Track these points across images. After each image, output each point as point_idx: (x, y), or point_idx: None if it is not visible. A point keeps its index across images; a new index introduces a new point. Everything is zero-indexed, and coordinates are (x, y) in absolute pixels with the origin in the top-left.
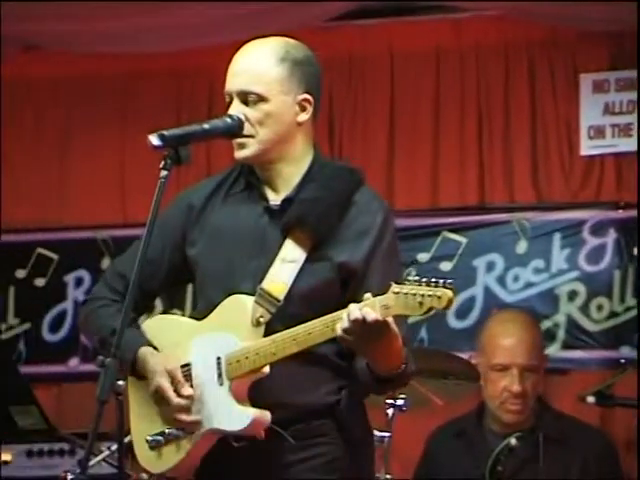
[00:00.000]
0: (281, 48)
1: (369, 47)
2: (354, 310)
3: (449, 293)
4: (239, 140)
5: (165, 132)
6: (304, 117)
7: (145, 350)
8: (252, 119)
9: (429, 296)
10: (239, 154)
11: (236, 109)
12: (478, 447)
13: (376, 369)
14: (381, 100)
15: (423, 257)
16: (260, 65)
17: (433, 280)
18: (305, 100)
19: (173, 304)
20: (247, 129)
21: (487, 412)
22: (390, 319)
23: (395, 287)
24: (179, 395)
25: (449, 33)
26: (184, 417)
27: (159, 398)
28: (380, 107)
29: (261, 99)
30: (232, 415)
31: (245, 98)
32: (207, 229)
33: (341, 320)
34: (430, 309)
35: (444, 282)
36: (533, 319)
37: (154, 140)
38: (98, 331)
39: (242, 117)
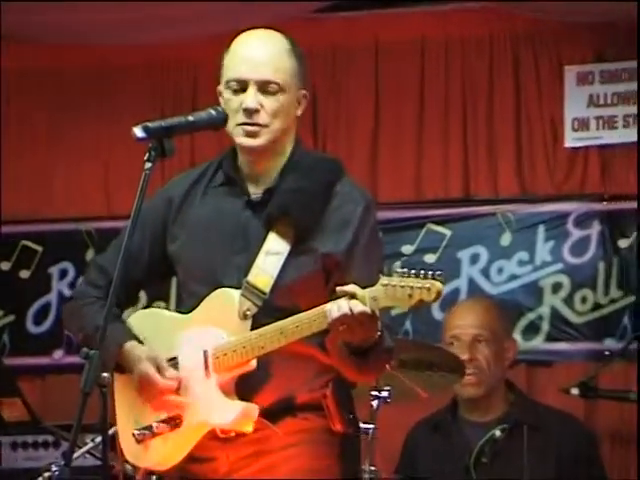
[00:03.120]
0: (289, 42)
1: (354, 39)
2: (343, 302)
3: (438, 285)
4: (251, 128)
5: (149, 124)
6: (300, 111)
7: (130, 344)
8: (268, 109)
9: (418, 288)
10: (250, 142)
11: (254, 97)
12: (455, 439)
13: (353, 343)
14: (365, 92)
15: (407, 249)
16: (281, 56)
17: (422, 272)
18: (304, 95)
19: (157, 297)
20: (262, 119)
21: (459, 402)
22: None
23: (384, 279)
24: (164, 377)
25: (434, 25)
26: (171, 398)
27: (146, 384)
28: (364, 99)
29: (281, 90)
30: (219, 408)
31: (265, 87)
32: (188, 224)
33: (330, 312)
34: (420, 301)
35: (433, 273)
36: (492, 301)
37: (138, 132)
38: (82, 329)
39: (258, 107)
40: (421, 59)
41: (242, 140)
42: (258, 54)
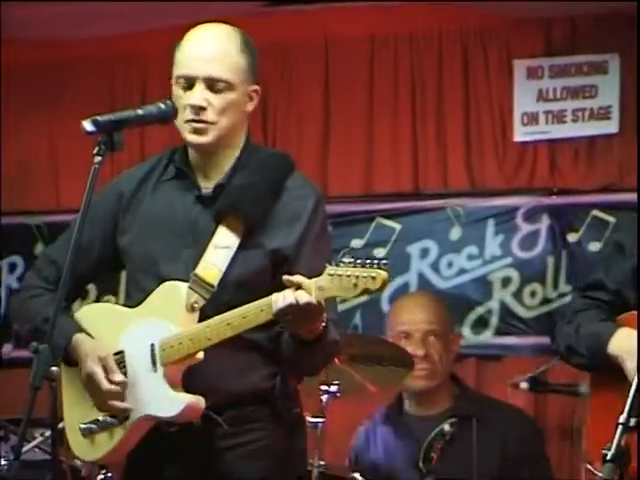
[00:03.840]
0: (240, 37)
1: (303, 33)
2: (288, 293)
3: (383, 274)
4: (198, 125)
5: (99, 118)
6: (251, 107)
7: (78, 337)
8: (216, 106)
9: (364, 277)
10: (197, 140)
11: (200, 95)
12: (402, 433)
13: (299, 335)
14: (315, 87)
15: (357, 243)
16: (229, 53)
17: (367, 261)
18: (254, 91)
19: (106, 291)
20: (209, 116)
21: (405, 395)
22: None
23: (330, 269)
24: (111, 382)
25: (383, 20)
26: (115, 404)
27: (91, 384)
28: (314, 93)
29: (229, 87)
30: (166, 401)
31: (213, 85)
32: (138, 217)
33: (275, 303)
34: (365, 290)
35: (378, 263)
36: (437, 295)
37: (87, 126)
38: (30, 320)
39: (206, 104)
40: (370, 54)
41: (189, 137)
42: (206, 51)
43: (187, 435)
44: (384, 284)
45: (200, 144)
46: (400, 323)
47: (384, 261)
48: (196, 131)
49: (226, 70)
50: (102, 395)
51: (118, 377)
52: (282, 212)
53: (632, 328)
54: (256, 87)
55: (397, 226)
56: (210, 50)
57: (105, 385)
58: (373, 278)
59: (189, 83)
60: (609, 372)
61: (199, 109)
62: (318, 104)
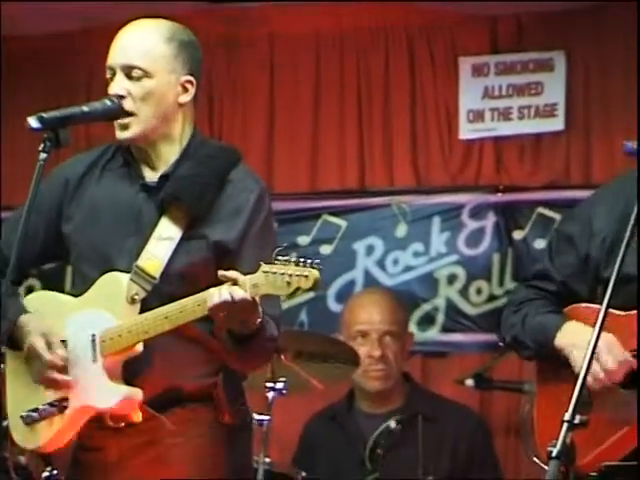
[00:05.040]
0: (169, 28)
1: (250, 28)
2: (224, 289)
3: (316, 273)
4: (121, 121)
5: (44, 114)
6: (185, 98)
7: (23, 317)
8: (135, 94)
9: (297, 276)
10: (121, 135)
11: (119, 84)
12: (350, 430)
13: (234, 330)
14: (261, 82)
15: (303, 240)
16: (147, 41)
17: (301, 260)
18: (188, 82)
19: (51, 286)
20: (129, 105)
21: (357, 394)
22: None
23: (265, 266)
24: (52, 354)
25: (329, 16)
26: (57, 376)
27: (33, 358)
28: (260, 90)
29: (146, 75)
30: (103, 392)
31: (129, 72)
32: (83, 205)
33: (211, 298)
34: (297, 289)
35: (312, 262)
36: (393, 293)
37: (33, 122)
38: None
39: (125, 93)
40: (316, 51)
41: (117, 133)
42: (124, 41)
43: (130, 432)
44: (316, 283)
45: (125, 139)
46: (357, 322)
47: (317, 260)
48: (121, 127)
49: (142, 57)
50: (43, 368)
51: (61, 350)
52: (226, 204)
53: (579, 321)
54: (189, 78)
55: (343, 223)
56: (127, 39)
57: (47, 355)
58: (306, 277)
59: (112, 74)
60: (555, 367)
61: (119, 98)
62: (264, 101)
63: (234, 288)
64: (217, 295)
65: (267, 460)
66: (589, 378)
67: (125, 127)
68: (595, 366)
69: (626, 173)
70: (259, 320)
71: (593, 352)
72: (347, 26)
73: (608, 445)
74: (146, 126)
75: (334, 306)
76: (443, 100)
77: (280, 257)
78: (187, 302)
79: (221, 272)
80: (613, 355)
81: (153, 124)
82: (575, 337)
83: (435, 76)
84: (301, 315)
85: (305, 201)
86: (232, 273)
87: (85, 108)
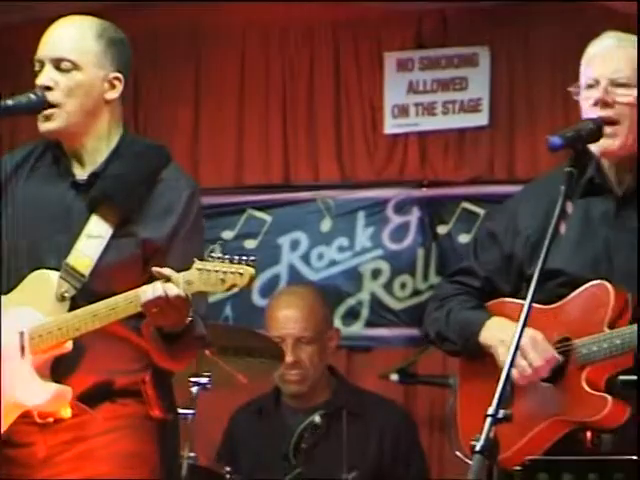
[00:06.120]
0: (99, 25)
1: (176, 26)
2: (158, 285)
3: (250, 270)
4: (46, 112)
5: None
6: (113, 95)
7: None
8: (62, 86)
9: (231, 273)
10: (45, 126)
11: (47, 74)
12: (276, 424)
13: (164, 327)
14: (186, 78)
15: (228, 235)
16: (77, 35)
17: (236, 257)
18: (116, 78)
19: None
20: (54, 97)
21: (283, 390)
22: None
23: (198, 264)
24: None
25: (254, 12)
26: None
27: None
28: (186, 85)
29: (75, 67)
30: (32, 389)
31: (59, 65)
32: (12, 203)
33: (144, 294)
34: (232, 286)
35: (246, 259)
36: (313, 292)
37: None
38: None
39: (52, 84)
40: (242, 46)
41: (39, 125)
42: (55, 35)
43: (59, 427)
44: (251, 281)
45: (47, 131)
46: (273, 328)
47: (252, 257)
48: (44, 118)
49: (72, 50)
50: None
51: None
52: (156, 203)
53: (503, 315)
54: (117, 75)
55: (268, 218)
56: (58, 33)
57: None
58: (240, 274)
59: (41, 66)
60: (478, 362)
61: (45, 89)
62: (189, 95)
63: (168, 285)
64: (151, 291)
65: (191, 455)
66: (516, 374)
67: (48, 118)
68: (522, 362)
69: (551, 171)
70: (189, 318)
71: (517, 348)
72: (272, 21)
73: (529, 438)
74: (70, 119)
75: (259, 301)
76: (368, 95)
77: (214, 254)
78: (118, 299)
79: (155, 268)
80: (539, 351)
81: (77, 118)
82: (500, 333)
83: (360, 71)
84: (226, 310)
85: (230, 196)
86: (166, 270)
87: (9, 102)
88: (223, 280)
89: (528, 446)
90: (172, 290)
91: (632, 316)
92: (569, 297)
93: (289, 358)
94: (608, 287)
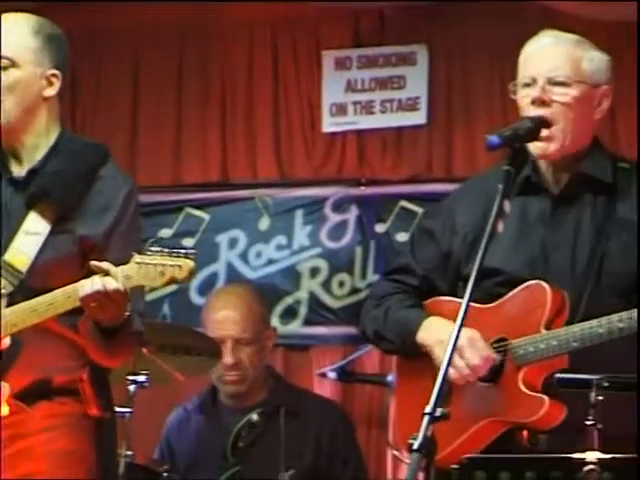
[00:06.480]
0: (36, 22)
1: (114, 24)
2: (96, 279)
3: (190, 263)
4: None
5: None
6: (50, 92)
7: None
8: (1, 84)
9: (170, 266)
10: None
11: None
12: (213, 423)
13: (102, 323)
14: (124, 76)
15: (166, 233)
16: (14, 33)
17: (175, 251)
18: (53, 75)
19: None
20: None
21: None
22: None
23: (137, 257)
24: None
25: (192, 10)
26: None
27: None
28: (123, 83)
29: (12, 64)
30: None
31: None
32: None
33: (83, 288)
34: (171, 279)
35: (185, 253)
36: (251, 292)
37: None
38: None
39: None
40: (180, 43)
41: None
42: None
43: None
44: (191, 273)
45: None
46: (212, 328)
47: (191, 251)
48: None
49: (9, 48)
50: None
51: None
52: (94, 200)
53: (440, 314)
54: (54, 72)
55: (206, 216)
56: None
57: None
58: (180, 267)
59: None
60: (415, 361)
61: None
62: (127, 93)
63: (106, 279)
64: (89, 285)
65: (129, 453)
66: (454, 374)
67: None
68: (459, 362)
69: (488, 170)
70: (127, 313)
71: (454, 348)
72: (210, 19)
73: (466, 438)
74: (8, 116)
75: (196, 299)
76: (306, 93)
77: (153, 248)
78: (57, 294)
79: (94, 262)
80: (477, 351)
81: (15, 115)
82: (437, 333)
83: (298, 69)
84: (164, 308)
85: (168, 194)
86: (104, 264)
87: None
88: (162, 273)
89: (465, 445)
90: (111, 284)
91: (569, 316)
92: (506, 297)
93: (229, 359)
94: (545, 287)
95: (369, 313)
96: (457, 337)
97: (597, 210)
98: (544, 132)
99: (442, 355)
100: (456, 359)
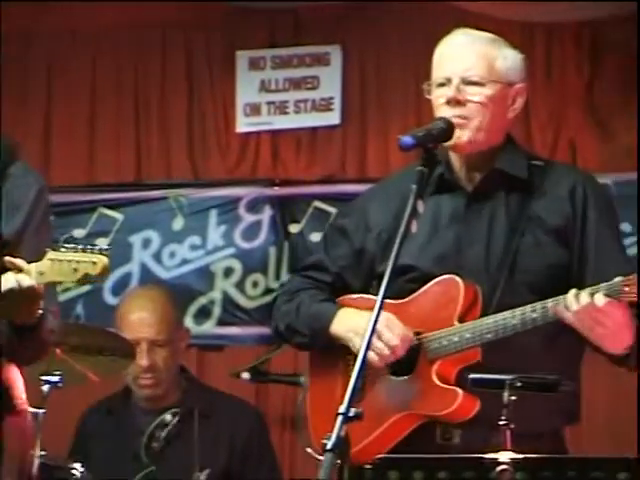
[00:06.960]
0: None
1: (27, 27)
2: (9, 276)
3: (104, 259)
4: None
5: None
6: None
7: None
8: None
9: (84, 262)
10: None
11: None
12: (126, 425)
13: (16, 320)
14: (39, 73)
15: (79, 233)
16: None
17: (89, 247)
18: None
19: None
20: None
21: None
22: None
23: (51, 254)
24: None
25: (106, 13)
26: None
27: None
28: (38, 80)
29: None
30: None
31: None
32: None
33: None
34: (85, 275)
35: (99, 249)
36: (165, 293)
37: None
38: None
39: None
40: (94, 43)
41: None
42: None
43: None
44: (105, 270)
45: None
46: (126, 330)
47: (105, 247)
48: None
49: None
50: None
51: None
52: (4, 199)
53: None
54: None
55: (119, 216)
56: None
57: None
58: (94, 263)
59: None
60: (328, 359)
61: None
62: (41, 95)
63: (20, 275)
64: (3, 282)
65: (42, 453)
66: (373, 357)
67: None
68: (378, 343)
69: (402, 170)
70: (40, 311)
71: (372, 332)
72: (123, 20)
73: (380, 432)
74: None
75: (110, 299)
76: (220, 93)
77: (67, 245)
78: None
79: (7, 258)
80: (394, 331)
81: None
82: (352, 323)
83: (212, 69)
84: (77, 308)
85: (81, 194)
86: (17, 260)
87: None
88: (76, 269)
89: (378, 440)
90: (24, 281)
91: (482, 311)
92: (420, 292)
93: (144, 362)
94: (458, 281)
95: (281, 308)
96: (376, 321)
97: (511, 207)
98: (458, 121)
99: (359, 341)
100: (375, 341)
